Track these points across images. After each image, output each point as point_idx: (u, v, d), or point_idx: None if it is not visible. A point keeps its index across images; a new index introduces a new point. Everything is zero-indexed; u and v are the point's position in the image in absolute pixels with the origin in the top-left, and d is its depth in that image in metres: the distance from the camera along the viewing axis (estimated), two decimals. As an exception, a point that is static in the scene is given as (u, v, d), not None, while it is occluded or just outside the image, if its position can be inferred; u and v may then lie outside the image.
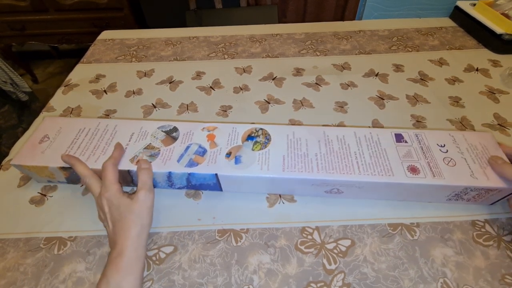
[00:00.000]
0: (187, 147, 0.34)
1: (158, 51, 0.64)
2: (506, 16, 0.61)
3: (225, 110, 0.48)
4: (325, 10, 1.28)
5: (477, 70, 0.56)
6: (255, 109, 0.49)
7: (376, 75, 0.56)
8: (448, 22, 0.72)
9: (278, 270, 0.30)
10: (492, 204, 0.34)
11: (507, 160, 0.32)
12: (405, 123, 0.45)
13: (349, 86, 0.53)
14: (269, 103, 0.50)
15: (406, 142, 0.34)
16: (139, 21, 1.35)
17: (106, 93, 0.53)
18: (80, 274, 0.30)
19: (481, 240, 0.32)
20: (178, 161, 0.33)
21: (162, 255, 0.31)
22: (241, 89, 0.53)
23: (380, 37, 0.67)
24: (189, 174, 0.32)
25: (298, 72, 0.57)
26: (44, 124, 0.37)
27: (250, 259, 0.31)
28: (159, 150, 0.34)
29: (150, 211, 0.30)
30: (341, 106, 0.49)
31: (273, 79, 0.55)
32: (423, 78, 0.54)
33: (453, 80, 0.54)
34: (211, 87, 0.54)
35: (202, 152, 0.34)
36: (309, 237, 0.33)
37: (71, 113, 0.49)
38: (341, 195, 0.34)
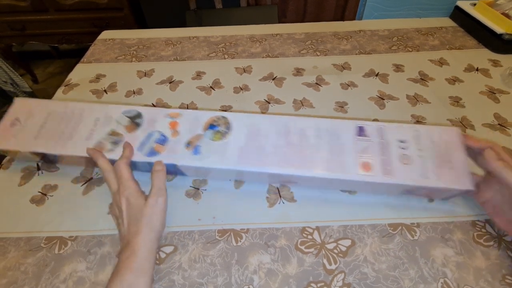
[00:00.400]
0: (150, 135, 0.34)
1: (158, 51, 0.64)
2: (506, 16, 0.61)
3: (225, 110, 0.48)
4: (325, 10, 1.28)
5: (477, 70, 0.56)
6: (255, 109, 0.49)
7: (376, 75, 0.56)
8: (448, 22, 0.72)
9: (278, 270, 0.30)
10: (447, 199, 0.34)
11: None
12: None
13: (349, 86, 0.53)
14: (269, 103, 0.50)
15: (366, 136, 0.33)
16: (139, 21, 1.35)
17: (106, 93, 0.53)
18: (81, 273, 0.30)
19: (481, 241, 0.32)
20: (139, 150, 0.34)
21: (162, 255, 0.31)
22: (241, 89, 0.53)
23: (380, 37, 0.67)
24: (148, 163, 0.33)
25: (298, 72, 0.57)
26: (14, 106, 0.37)
27: (250, 259, 0.31)
28: (123, 137, 0.34)
29: (162, 215, 0.31)
30: (341, 106, 0.49)
31: (273, 79, 0.55)
32: (423, 78, 0.54)
33: (453, 80, 0.54)
34: (211, 87, 0.54)
35: (163, 140, 0.34)
36: (309, 237, 0.33)
37: (71, 113, 0.48)
38: (295, 184, 0.36)
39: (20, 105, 0.37)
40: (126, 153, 0.33)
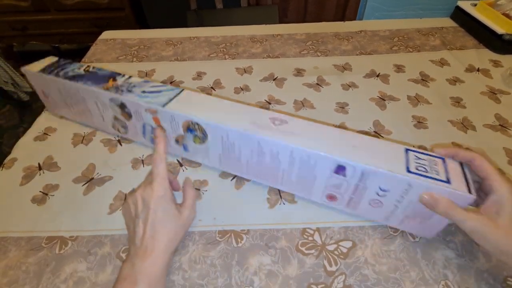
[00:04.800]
0: (144, 125, 0.37)
1: (159, 51, 0.64)
2: (507, 16, 0.60)
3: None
4: (326, 10, 1.28)
5: (478, 70, 0.56)
6: (256, 109, 0.49)
7: (377, 75, 0.56)
8: (449, 22, 0.72)
9: (279, 272, 0.30)
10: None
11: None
12: (406, 124, 0.45)
13: (350, 86, 0.53)
14: (269, 103, 0.50)
15: (344, 175, 0.29)
16: (140, 21, 1.35)
17: (107, 93, 0.53)
18: (81, 273, 0.30)
19: (482, 242, 0.32)
20: (144, 136, 0.39)
21: (163, 256, 0.31)
22: (242, 89, 0.53)
23: (381, 37, 0.67)
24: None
25: (299, 72, 0.57)
26: (30, 78, 0.44)
27: (251, 260, 0.31)
28: (126, 123, 0.39)
29: (187, 228, 0.31)
30: (342, 107, 0.49)
31: (274, 80, 0.55)
32: (424, 79, 0.54)
33: (454, 81, 0.54)
34: (211, 87, 0.54)
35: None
36: (310, 238, 0.33)
37: (72, 113, 0.49)
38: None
39: (31, 77, 0.43)
40: (160, 147, 0.31)
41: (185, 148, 0.36)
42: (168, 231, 0.27)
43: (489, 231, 0.23)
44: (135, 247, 0.26)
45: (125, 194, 0.36)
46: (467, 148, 0.28)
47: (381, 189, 0.28)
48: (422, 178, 0.26)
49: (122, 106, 0.36)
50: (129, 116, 0.37)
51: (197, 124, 0.33)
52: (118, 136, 0.44)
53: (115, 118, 0.38)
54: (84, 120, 0.44)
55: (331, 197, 0.32)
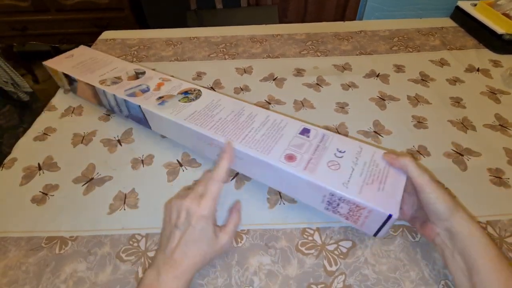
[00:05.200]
0: (139, 85, 0.42)
1: (159, 51, 0.64)
2: (507, 16, 0.61)
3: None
4: (325, 10, 1.28)
5: (478, 70, 0.56)
6: (256, 109, 0.49)
7: (377, 75, 0.56)
8: (449, 22, 0.72)
9: (279, 272, 0.30)
10: (376, 234, 0.29)
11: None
12: (406, 124, 0.45)
13: (350, 86, 0.53)
14: (269, 103, 0.50)
15: (308, 137, 0.33)
16: (140, 21, 1.35)
17: (107, 94, 0.53)
18: (81, 274, 0.30)
19: (482, 242, 0.32)
20: (125, 91, 0.41)
21: (163, 256, 0.31)
22: (242, 89, 0.53)
23: (381, 37, 0.67)
24: (125, 101, 0.40)
25: (299, 72, 0.57)
26: (76, 49, 0.53)
27: (251, 260, 0.31)
28: (121, 81, 0.43)
29: (221, 254, 0.29)
30: (342, 107, 0.49)
31: (273, 80, 0.55)
32: (424, 79, 0.54)
33: (454, 81, 0.54)
34: (211, 87, 0.54)
35: (145, 90, 0.41)
36: (310, 238, 0.33)
37: (72, 112, 0.49)
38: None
39: (80, 50, 0.53)
40: (225, 166, 0.29)
41: (162, 103, 0.38)
42: (200, 252, 0.27)
43: (435, 182, 0.27)
44: (164, 256, 0.26)
45: (169, 201, 0.30)
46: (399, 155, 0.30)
47: (338, 150, 0.32)
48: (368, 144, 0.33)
49: (140, 73, 0.45)
50: (135, 78, 0.44)
51: (198, 90, 0.40)
52: (117, 136, 0.44)
53: (116, 77, 0.44)
54: (75, 73, 0.46)
55: (290, 157, 0.31)
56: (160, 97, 0.39)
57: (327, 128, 0.45)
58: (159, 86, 0.41)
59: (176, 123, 0.36)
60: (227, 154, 0.30)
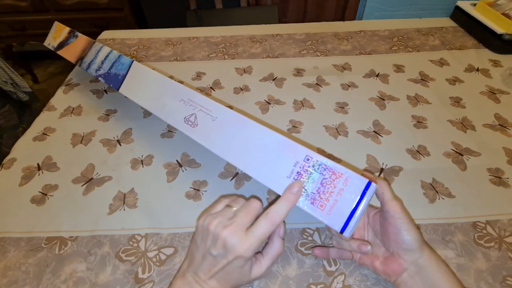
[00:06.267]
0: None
1: (159, 51, 0.64)
2: (507, 16, 0.61)
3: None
4: (325, 10, 1.28)
5: (477, 70, 0.56)
6: (256, 109, 0.49)
7: (377, 75, 0.56)
8: (448, 22, 0.72)
9: (278, 272, 0.30)
10: (344, 227, 0.24)
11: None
12: (406, 124, 0.45)
13: (349, 86, 0.53)
14: (269, 103, 0.50)
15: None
16: (140, 21, 1.35)
17: (107, 93, 0.53)
18: (81, 274, 0.30)
19: (482, 242, 0.32)
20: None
21: (163, 257, 0.31)
22: (242, 89, 0.53)
23: (381, 37, 0.67)
24: (120, 56, 0.43)
25: (299, 72, 0.57)
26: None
27: (251, 260, 0.31)
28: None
29: (252, 281, 0.27)
30: (341, 107, 0.49)
31: (273, 80, 0.55)
32: (423, 79, 0.54)
33: (454, 81, 0.54)
34: (211, 87, 0.54)
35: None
36: (310, 238, 0.33)
37: (72, 112, 0.49)
38: (195, 129, 0.32)
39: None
40: (287, 210, 0.24)
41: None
42: (233, 283, 0.25)
43: (405, 210, 0.27)
44: (196, 275, 0.25)
45: (202, 216, 0.27)
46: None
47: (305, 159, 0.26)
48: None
49: (107, 54, 0.46)
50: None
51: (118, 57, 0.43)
52: (116, 136, 0.44)
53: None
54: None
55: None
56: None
57: (326, 128, 0.45)
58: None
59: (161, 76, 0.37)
60: (292, 195, 0.25)
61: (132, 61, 0.41)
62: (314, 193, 0.25)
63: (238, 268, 0.24)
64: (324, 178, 0.25)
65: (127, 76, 0.41)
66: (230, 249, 0.23)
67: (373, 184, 0.24)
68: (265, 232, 0.24)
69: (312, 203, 0.25)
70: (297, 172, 0.26)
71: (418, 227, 0.32)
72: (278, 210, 0.24)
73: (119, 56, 0.43)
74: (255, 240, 0.23)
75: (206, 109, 0.32)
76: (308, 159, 0.25)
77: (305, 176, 0.25)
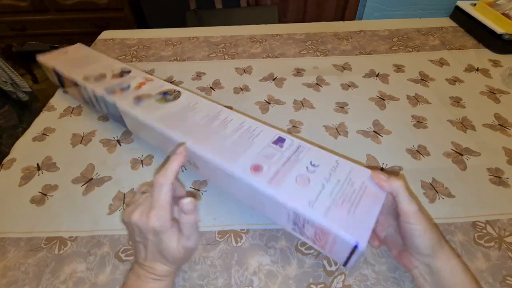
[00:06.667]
0: (120, 83, 0.41)
1: (158, 51, 0.64)
2: (507, 16, 0.61)
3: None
4: (325, 10, 1.28)
5: (477, 70, 0.56)
6: (256, 109, 0.49)
7: (377, 75, 0.56)
8: (448, 22, 0.72)
9: (278, 272, 0.30)
10: (346, 263, 0.26)
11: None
12: (405, 124, 0.45)
13: (349, 86, 0.53)
14: (269, 103, 0.50)
15: (281, 147, 0.30)
16: (140, 21, 1.35)
17: (107, 94, 0.53)
18: (81, 274, 0.30)
19: (482, 242, 0.32)
20: (105, 88, 0.41)
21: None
22: (242, 89, 0.53)
23: (381, 37, 0.67)
24: (104, 97, 0.40)
25: (299, 72, 0.57)
26: (73, 46, 0.53)
27: (250, 260, 0.31)
28: (105, 78, 0.43)
29: (191, 255, 0.29)
30: (341, 107, 0.49)
31: (273, 80, 0.55)
32: (423, 79, 0.54)
33: (454, 80, 0.54)
34: (211, 87, 0.54)
35: (124, 88, 0.40)
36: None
37: (71, 112, 0.49)
38: (198, 172, 0.35)
39: (76, 48, 0.53)
40: (174, 168, 0.26)
41: (138, 103, 0.37)
42: (168, 257, 0.26)
43: (423, 212, 0.25)
44: (139, 264, 0.26)
45: (124, 205, 0.35)
46: (392, 175, 0.27)
47: (311, 164, 0.29)
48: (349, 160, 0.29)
49: (125, 72, 0.44)
50: (119, 76, 0.43)
51: (178, 91, 0.39)
52: (116, 136, 0.44)
53: (99, 75, 0.44)
54: (63, 69, 0.46)
55: (256, 168, 0.28)
56: (138, 96, 0.38)
57: (326, 128, 0.45)
58: (140, 85, 0.41)
59: (145, 123, 0.35)
60: (179, 155, 0.27)
61: (114, 103, 0.38)
62: (313, 238, 0.27)
63: (163, 242, 0.25)
64: (315, 231, 0.26)
65: (122, 116, 0.39)
66: (143, 229, 0.25)
67: (360, 246, 0.23)
68: (163, 198, 0.24)
69: (313, 242, 0.27)
70: (293, 221, 0.27)
71: (436, 226, 0.29)
72: (168, 171, 0.25)
73: (103, 98, 0.40)
74: (158, 210, 0.24)
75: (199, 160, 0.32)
76: (297, 214, 0.26)
77: (300, 225, 0.27)
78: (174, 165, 0.26)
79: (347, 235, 0.23)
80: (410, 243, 0.25)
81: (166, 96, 0.38)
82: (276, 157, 0.29)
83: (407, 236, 0.25)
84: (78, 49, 0.52)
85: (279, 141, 0.31)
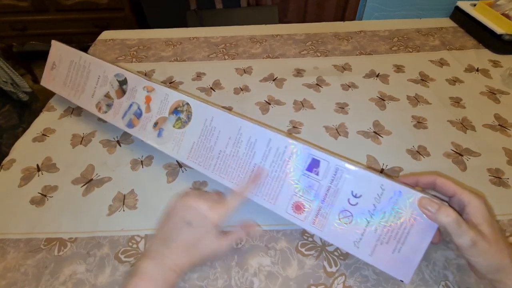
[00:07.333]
0: (130, 105, 0.40)
1: (159, 51, 0.64)
2: (506, 16, 0.60)
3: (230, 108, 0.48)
4: (325, 10, 1.28)
5: (477, 70, 0.56)
6: (256, 110, 0.49)
7: (377, 76, 0.55)
8: (448, 23, 0.71)
9: (279, 273, 0.30)
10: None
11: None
12: (406, 124, 0.45)
13: (350, 87, 0.53)
14: (269, 104, 0.50)
15: (317, 174, 0.29)
16: (140, 21, 1.35)
17: (107, 94, 0.53)
18: (80, 275, 0.30)
19: (482, 242, 0.32)
20: (123, 118, 0.40)
21: (162, 257, 0.31)
22: (242, 90, 0.53)
23: (381, 37, 0.67)
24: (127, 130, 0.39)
25: (299, 73, 0.57)
26: (52, 49, 0.48)
27: (251, 261, 0.31)
28: (113, 101, 0.41)
29: (214, 258, 0.31)
30: (342, 107, 0.49)
31: (273, 80, 0.55)
32: (423, 79, 0.54)
33: (454, 81, 0.54)
34: (211, 88, 0.54)
35: (139, 114, 0.39)
36: (310, 239, 0.32)
37: (71, 113, 0.48)
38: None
39: (55, 51, 0.48)
40: (252, 186, 0.31)
41: (160, 133, 0.37)
42: (199, 254, 0.27)
43: (482, 243, 0.22)
44: (164, 248, 0.26)
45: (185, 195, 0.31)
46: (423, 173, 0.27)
47: (353, 195, 0.27)
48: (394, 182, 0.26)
49: (123, 82, 0.40)
50: (122, 93, 0.40)
51: (187, 104, 0.36)
52: (116, 137, 0.44)
53: (106, 95, 0.41)
54: (72, 96, 0.45)
55: (298, 207, 0.29)
56: (156, 124, 0.37)
57: (327, 128, 0.45)
58: (148, 103, 0.38)
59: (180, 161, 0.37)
60: (257, 178, 0.31)
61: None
62: None
63: (212, 239, 0.27)
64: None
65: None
66: (198, 217, 0.27)
67: (405, 283, 0.25)
68: (235, 205, 0.29)
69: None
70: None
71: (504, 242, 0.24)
72: (246, 187, 0.30)
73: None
74: (227, 210, 0.28)
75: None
76: None
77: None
78: (250, 185, 0.31)
79: (391, 273, 0.26)
80: (471, 263, 0.24)
81: (179, 115, 0.36)
82: (314, 189, 0.29)
83: (466, 258, 0.24)
84: (58, 52, 0.47)
85: (314, 165, 0.29)
